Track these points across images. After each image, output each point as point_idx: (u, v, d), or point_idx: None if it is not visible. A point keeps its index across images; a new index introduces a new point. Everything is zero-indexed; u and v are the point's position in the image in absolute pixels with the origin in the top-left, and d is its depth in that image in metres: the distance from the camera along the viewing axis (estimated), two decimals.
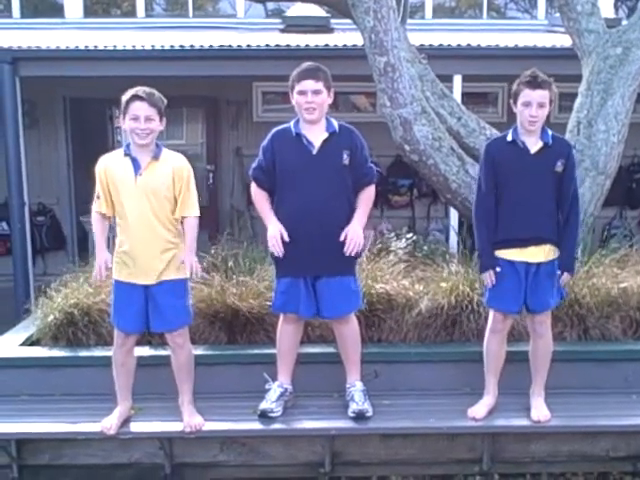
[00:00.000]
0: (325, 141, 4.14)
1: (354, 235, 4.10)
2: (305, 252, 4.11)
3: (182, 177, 4.03)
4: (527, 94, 4.02)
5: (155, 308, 4.07)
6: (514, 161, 4.13)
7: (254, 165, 4.30)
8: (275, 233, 4.11)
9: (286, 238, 4.09)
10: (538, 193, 4.12)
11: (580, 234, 5.36)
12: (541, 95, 4.01)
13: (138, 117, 3.93)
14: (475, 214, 4.26)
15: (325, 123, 4.17)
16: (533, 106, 4.01)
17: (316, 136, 4.14)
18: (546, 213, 4.13)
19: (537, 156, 4.12)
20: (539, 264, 4.14)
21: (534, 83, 4.01)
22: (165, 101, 4.04)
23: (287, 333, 4.32)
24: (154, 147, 4.03)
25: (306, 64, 4.15)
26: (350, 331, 4.32)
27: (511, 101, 4.15)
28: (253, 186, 4.31)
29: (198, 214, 4.11)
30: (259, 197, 4.27)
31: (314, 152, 4.14)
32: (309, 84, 4.06)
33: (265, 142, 4.25)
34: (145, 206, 3.98)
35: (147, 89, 3.98)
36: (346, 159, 4.14)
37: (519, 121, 4.12)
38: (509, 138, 4.17)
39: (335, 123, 4.20)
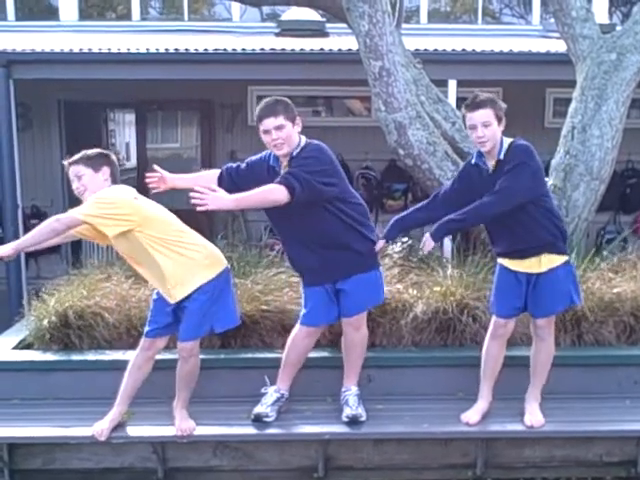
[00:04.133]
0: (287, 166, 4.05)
1: (212, 196, 3.71)
2: (310, 269, 4.18)
3: None
4: (470, 117, 4.06)
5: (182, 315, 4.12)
6: (477, 183, 4.14)
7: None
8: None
9: None
10: None
11: (575, 239, 5.40)
12: (482, 114, 4.01)
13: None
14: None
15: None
16: (478, 127, 4.02)
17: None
18: (520, 225, 4.06)
19: (493, 175, 4.09)
20: (539, 274, 4.13)
21: (473, 105, 4.05)
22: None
23: (302, 345, 4.30)
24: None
25: (264, 101, 4.09)
26: (360, 338, 4.32)
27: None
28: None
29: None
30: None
31: None
32: (269, 122, 3.99)
33: (258, 158, 4.28)
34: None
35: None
36: None
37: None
38: (472, 161, 4.21)
39: (301, 144, 4.06)
